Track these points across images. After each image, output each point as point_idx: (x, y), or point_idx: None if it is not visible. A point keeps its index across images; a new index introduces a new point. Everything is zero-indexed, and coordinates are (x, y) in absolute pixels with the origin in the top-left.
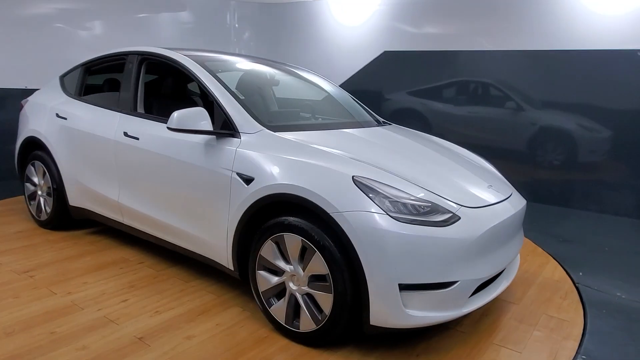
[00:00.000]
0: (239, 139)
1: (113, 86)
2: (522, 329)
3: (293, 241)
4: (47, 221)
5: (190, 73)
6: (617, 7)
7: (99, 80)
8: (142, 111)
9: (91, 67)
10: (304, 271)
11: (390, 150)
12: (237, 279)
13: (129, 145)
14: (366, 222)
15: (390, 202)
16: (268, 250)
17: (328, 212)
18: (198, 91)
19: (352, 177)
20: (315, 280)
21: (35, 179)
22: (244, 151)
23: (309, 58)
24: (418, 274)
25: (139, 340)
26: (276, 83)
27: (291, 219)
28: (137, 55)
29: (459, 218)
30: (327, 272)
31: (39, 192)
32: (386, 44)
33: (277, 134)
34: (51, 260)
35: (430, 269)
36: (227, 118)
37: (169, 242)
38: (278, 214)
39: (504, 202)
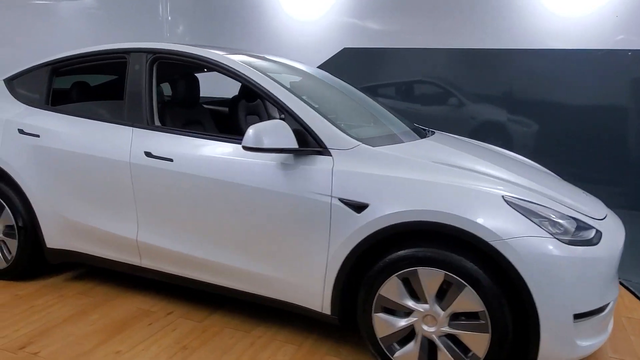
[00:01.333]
0: (329, 157)
1: (107, 92)
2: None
3: (431, 276)
4: (7, 270)
5: (247, 80)
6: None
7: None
8: (159, 124)
9: (61, 68)
10: (444, 310)
11: (492, 163)
12: (313, 320)
13: (157, 168)
14: (535, 248)
15: (549, 223)
16: (392, 288)
17: (487, 240)
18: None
19: (502, 197)
20: (459, 319)
21: None
22: (346, 171)
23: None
24: (590, 300)
25: None
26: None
27: (428, 250)
28: (145, 54)
29: (602, 233)
30: (482, 309)
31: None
32: (346, 41)
33: (377, 148)
34: (46, 326)
35: (596, 293)
36: (309, 133)
37: (223, 287)
38: (395, 246)
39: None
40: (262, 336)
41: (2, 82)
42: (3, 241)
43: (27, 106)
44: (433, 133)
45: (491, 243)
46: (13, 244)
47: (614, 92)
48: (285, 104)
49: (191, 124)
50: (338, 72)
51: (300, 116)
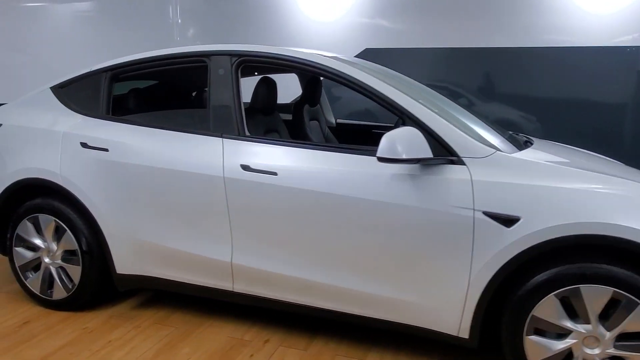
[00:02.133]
0: (463, 166)
1: (178, 100)
2: None
3: (597, 294)
4: (67, 300)
5: (358, 85)
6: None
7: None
8: (248, 134)
9: (122, 74)
10: (609, 330)
11: (611, 167)
12: (434, 341)
13: (258, 183)
14: None
15: None
16: (548, 309)
17: None
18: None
19: None
20: (626, 339)
21: (37, 241)
22: (488, 182)
23: None
24: None
25: None
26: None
27: (594, 266)
28: (229, 57)
29: None
30: None
31: (46, 259)
32: (368, 41)
33: (514, 155)
34: None
35: None
36: (438, 141)
37: (333, 311)
38: (539, 263)
39: None
40: None
41: (50, 91)
42: (62, 267)
43: (85, 117)
44: (531, 138)
45: None
46: (75, 271)
47: None
48: (409, 111)
49: (270, 132)
50: None
51: (428, 124)
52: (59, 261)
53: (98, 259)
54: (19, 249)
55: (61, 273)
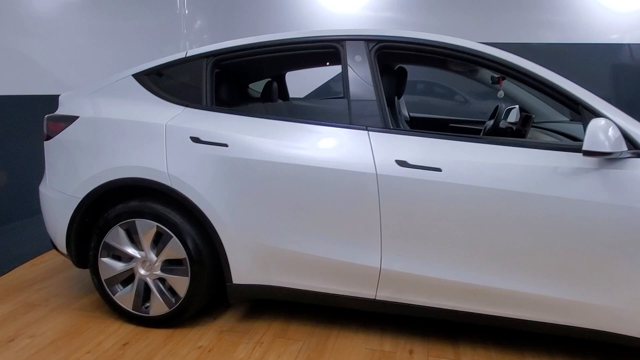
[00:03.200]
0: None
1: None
2: None
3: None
4: (171, 315)
5: (533, 77)
6: None
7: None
8: (393, 125)
9: (225, 60)
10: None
11: None
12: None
13: (418, 180)
14: None
15: None
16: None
17: None
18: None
19: None
20: None
21: (131, 250)
22: None
23: None
24: None
25: None
26: None
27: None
28: (365, 42)
29: None
30: None
31: (142, 271)
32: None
33: None
34: None
35: None
36: (623, 134)
37: (484, 315)
38: None
39: None
40: None
41: (132, 78)
42: (162, 279)
43: (187, 108)
44: None
45: None
46: (180, 283)
47: None
48: (589, 104)
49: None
50: None
51: (611, 117)
52: (159, 272)
53: (211, 268)
54: (106, 260)
55: (161, 286)
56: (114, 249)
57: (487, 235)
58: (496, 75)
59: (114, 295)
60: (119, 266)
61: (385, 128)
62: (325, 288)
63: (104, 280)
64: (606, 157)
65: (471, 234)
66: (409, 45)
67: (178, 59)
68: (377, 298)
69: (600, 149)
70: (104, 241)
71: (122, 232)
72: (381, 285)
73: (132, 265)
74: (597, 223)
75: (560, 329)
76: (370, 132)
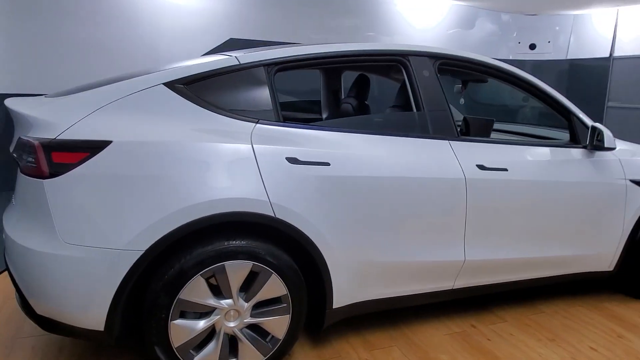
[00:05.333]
0: (612, 151)
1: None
2: None
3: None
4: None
5: (544, 92)
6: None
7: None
8: (458, 134)
9: (285, 70)
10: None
11: None
12: None
13: (492, 180)
14: None
15: None
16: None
17: None
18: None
19: None
20: None
21: (213, 302)
22: (628, 159)
23: (119, 41)
24: None
25: None
26: None
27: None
28: (431, 59)
29: None
30: None
31: (229, 323)
32: (233, 31)
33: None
34: None
35: None
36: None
37: (520, 281)
38: None
39: None
40: None
41: (166, 88)
42: (251, 326)
43: (258, 124)
44: None
45: None
46: (279, 323)
47: None
48: (580, 116)
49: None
50: None
51: (588, 123)
52: (249, 319)
53: (311, 299)
54: (179, 322)
55: (252, 333)
56: (192, 305)
57: (536, 218)
58: (460, 87)
59: None
60: (199, 325)
61: (459, 137)
62: (413, 290)
63: (176, 348)
64: (604, 150)
65: (527, 220)
66: (464, 63)
67: (228, 67)
68: (454, 287)
69: (612, 146)
70: (179, 298)
71: (203, 283)
72: (460, 275)
73: (214, 319)
74: (594, 196)
75: (567, 277)
76: (450, 142)
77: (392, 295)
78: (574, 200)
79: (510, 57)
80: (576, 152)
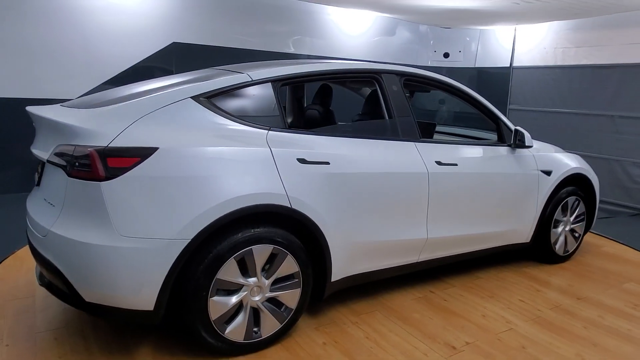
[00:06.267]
0: (530, 149)
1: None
2: None
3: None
4: (283, 329)
5: (474, 99)
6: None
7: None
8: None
9: (287, 85)
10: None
11: None
12: None
13: (447, 173)
14: None
15: None
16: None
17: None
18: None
19: None
20: None
21: (242, 280)
22: (539, 154)
23: (59, 42)
24: None
25: None
26: None
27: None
28: (397, 76)
29: None
30: None
31: (255, 297)
32: (176, 35)
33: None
34: None
35: None
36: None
37: (465, 253)
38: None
39: None
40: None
41: (194, 101)
42: (272, 299)
43: (270, 131)
44: None
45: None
46: (292, 296)
47: None
48: (501, 118)
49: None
50: (167, 65)
51: (511, 127)
52: (269, 293)
53: (317, 274)
54: (217, 299)
55: (271, 305)
56: (227, 283)
57: (477, 202)
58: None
59: (224, 333)
60: (232, 301)
61: (419, 139)
62: (389, 264)
63: (214, 321)
64: (525, 148)
65: (470, 203)
66: (421, 79)
67: (242, 82)
68: (419, 260)
69: (528, 144)
70: (216, 278)
71: (234, 264)
72: (423, 251)
73: (242, 295)
74: (518, 182)
75: (489, 251)
76: (415, 143)
77: (373, 269)
78: (504, 187)
79: (429, 64)
80: (502, 150)
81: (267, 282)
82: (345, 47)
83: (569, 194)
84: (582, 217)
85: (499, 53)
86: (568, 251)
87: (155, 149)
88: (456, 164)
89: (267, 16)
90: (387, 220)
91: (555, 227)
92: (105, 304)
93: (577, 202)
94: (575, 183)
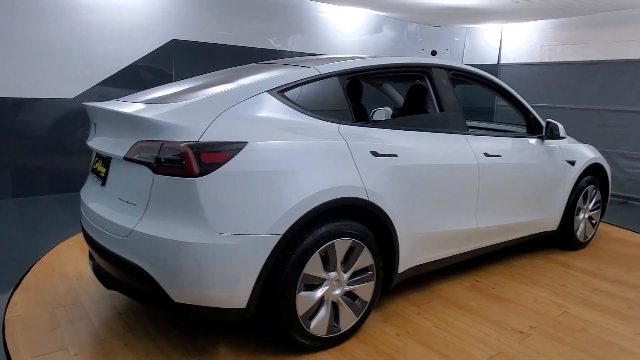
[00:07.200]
0: (562, 140)
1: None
2: None
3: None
4: (359, 322)
5: (510, 95)
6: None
7: None
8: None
9: (354, 78)
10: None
11: None
12: None
13: (493, 164)
14: None
15: None
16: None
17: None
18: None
19: None
20: None
21: (324, 274)
22: (564, 145)
23: (56, 38)
24: None
25: None
26: None
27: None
28: (445, 70)
29: None
30: None
31: (335, 292)
32: (175, 32)
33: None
34: None
35: None
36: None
37: (504, 242)
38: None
39: None
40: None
41: (270, 95)
42: (349, 293)
43: (341, 125)
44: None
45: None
46: (366, 289)
47: None
48: (531, 111)
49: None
50: (166, 63)
51: (539, 119)
52: (347, 287)
53: (388, 267)
54: (304, 294)
55: (348, 299)
56: (312, 278)
57: (517, 191)
58: None
59: (309, 328)
60: (317, 295)
61: (466, 131)
62: (443, 254)
63: (300, 316)
64: (559, 139)
65: (512, 193)
66: (466, 74)
67: (312, 76)
68: (467, 250)
69: (563, 135)
70: (304, 273)
71: (318, 259)
72: (472, 240)
73: (324, 289)
74: (547, 172)
75: (516, 240)
76: (465, 136)
77: (430, 260)
78: (539, 177)
79: None
80: (533, 141)
81: (346, 276)
82: (338, 43)
83: (588, 183)
84: (599, 204)
85: (486, 50)
86: (587, 237)
87: (245, 143)
88: (500, 155)
89: (264, 13)
90: (444, 211)
91: (577, 214)
92: (195, 303)
93: (594, 190)
94: (592, 172)
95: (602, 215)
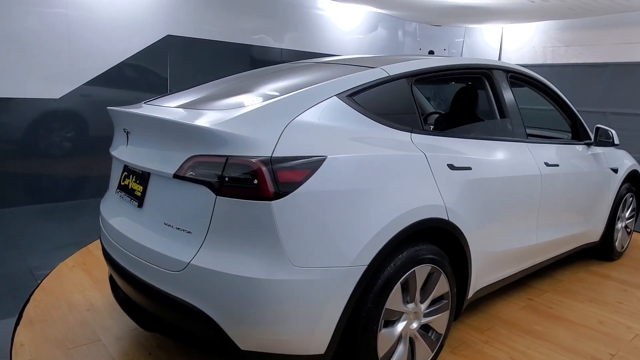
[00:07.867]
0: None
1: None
2: None
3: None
4: (433, 358)
5: (557, 95)
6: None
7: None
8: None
9: (420, 80)
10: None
11: None
12: None
13: (552, 174)
14: None
15: None
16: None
17: None
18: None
19: None
20: None
21: (403, 307)
22: (608, 152)
23: (47, 34)
24: None
25: None
26: None
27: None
28: (504, 72)
29: None
30: None
31: (413, 325)
32: (170, 28)
33: None
34: None
35: None
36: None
37: (554, 257)
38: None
39: None
40: None
41: (340, 100)
42: (425, 326)
43: (412, 133)
44: None
45: None
46: (441, 320)
47: None
48: (578, 116)
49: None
50: (161, 59)
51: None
52: (423, 319)
53: (461, 293)
54: (385, 331)
55: (423, 332)
56: (392, 313)
57: (571, 203)
58: None
59: None
60: (397, 332)
61: (526, 139)
62: (503, 275)
63: (381, 358)
64: (613, 146)
65: (567, 204)
66: (521, 75)
67: (381, 78)
68: (524, 268)
69: (617, 142)
70: (386, 308)
71: (399, 290)
72: (530, 257)
73: (403, 324)
74: (594, 181)
75: (575, 250)
76: (526, 144)
77: (493, 281)
78: (588, 185)
79: None
80: (580, 148)
81: (423, 307)
82: (338, 40)
83: (627, 191)
84: (634, 212)
85: (486, 52)
86: (623, 247)
87: (324, 157)
88: (558, 165)
89: (262, 10)
90: (511, 227)
91: (616, 224)
92: (266, 351)
93: (632, 198)
94: (629, 179)
95: (635, 223)
